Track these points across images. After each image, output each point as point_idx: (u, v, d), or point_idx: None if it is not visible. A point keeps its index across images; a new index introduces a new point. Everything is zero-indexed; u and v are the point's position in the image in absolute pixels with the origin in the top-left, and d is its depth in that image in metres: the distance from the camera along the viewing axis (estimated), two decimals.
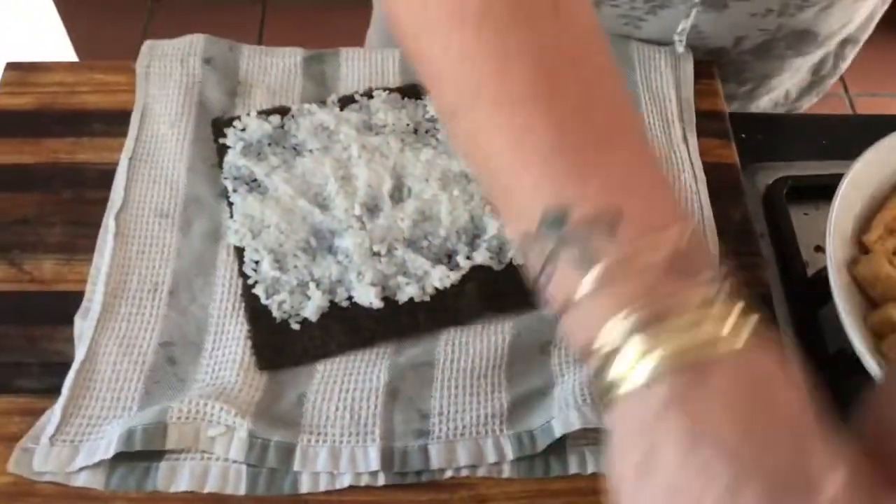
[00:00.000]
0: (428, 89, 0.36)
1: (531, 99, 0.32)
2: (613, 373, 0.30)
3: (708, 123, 0.58)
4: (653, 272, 0.30)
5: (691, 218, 0.32)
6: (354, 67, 0.59)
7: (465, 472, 0.44)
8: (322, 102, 0.56)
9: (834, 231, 0.47)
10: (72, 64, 0.58)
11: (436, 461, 0.43)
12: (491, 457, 0.44)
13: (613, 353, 0.30)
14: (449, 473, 0.44)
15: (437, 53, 0.34)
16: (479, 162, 0.35)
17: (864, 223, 0.50)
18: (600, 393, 0.31)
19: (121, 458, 0.43)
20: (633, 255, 0.30)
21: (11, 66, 0.58)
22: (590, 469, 0.44)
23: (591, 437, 0.44)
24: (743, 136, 0.61)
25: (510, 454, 0.44)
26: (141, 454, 0.43)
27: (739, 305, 0.30)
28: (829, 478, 0.27)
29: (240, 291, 0.49)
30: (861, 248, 0.49)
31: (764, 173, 0.60)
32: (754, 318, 0.30)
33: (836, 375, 0.49)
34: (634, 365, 0.29)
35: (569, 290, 0.31)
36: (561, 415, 0.44)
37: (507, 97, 0.33)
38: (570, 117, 0.32)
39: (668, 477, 0.28)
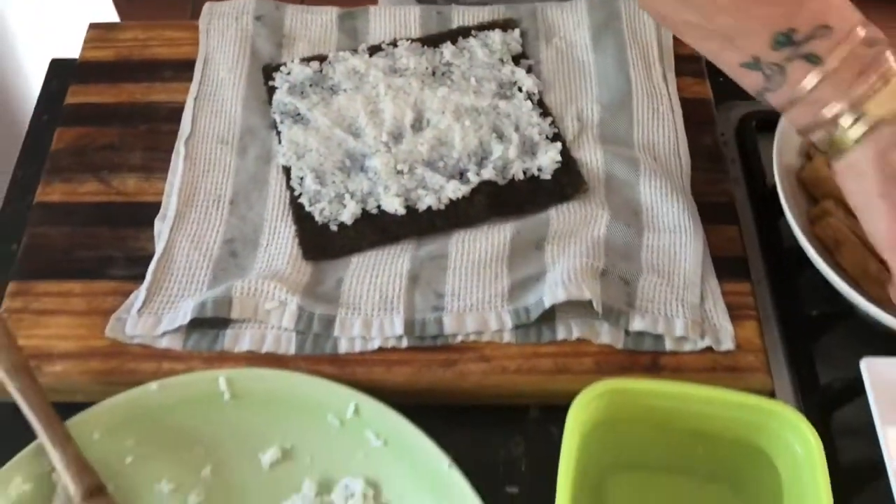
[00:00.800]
0: None
1: None
2: (844, 129, 0.46)
3: (686, 65, 0.67)
4: (859, 64, 0.45)
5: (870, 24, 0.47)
6: (381, 22, 0.69)
7: (472, 338, 0.53)
8: (354, 51, 0.67)
9: (783, 144, 0.56)
10: (144, 24, 0.69)
11: (448, 328, 0.53)
12: (493, 325, 0.53)
13: (841, 116, 0.46)
14: (459, 339, 0.53)
15: None
16: (707, 16, 0.48)
17: (805, 147, 0.59)
18: (831, 149, 0.47)
19: (195, 325, 0.53)
20: (845, 56, 0.45)
21: (94, 26, 0.69)
22: (574, 335, 0.53)
23: (574, 310, 0.54)
24: (720, 79, 0.70)
25: (509, 323, 0.53)
26: (211, 322, 0.53)
27: None
28: None
29: (288, 201, 0.59)
30: (807, 157, 0.58)
31: (737, 109, 0.69)
32: None
33: (789, 268, 0.59)
34: (860, 122, 0.46)
35: (795, 88, 0.47)
36: (550, 291, 0.53)
37: None
38: None
39: None
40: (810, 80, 0.47)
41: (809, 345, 0.55)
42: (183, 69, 0.66)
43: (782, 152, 0.57)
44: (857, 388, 0.50)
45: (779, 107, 0.49)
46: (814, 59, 0.46)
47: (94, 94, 0.65)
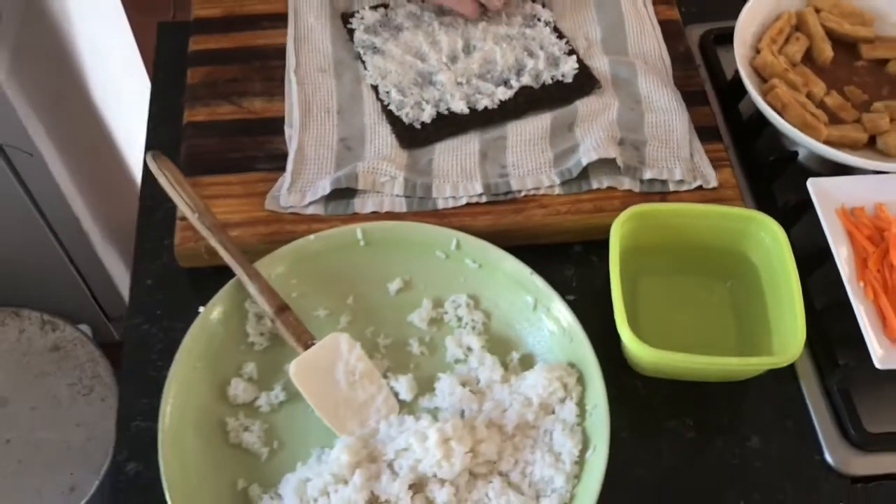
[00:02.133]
0: None
1: None
2: None
3: None
4: None
5: None
6: None
7: (532, 193, 0.74)
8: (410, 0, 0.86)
9: (740, 42, 0.78)
10: None
11: (515, 186, 0.74)
12: (546, 182, 0.74)
13: None
14: (523, 194, 0.74)
15: None
16: None
17: (757, 37, 0.81)
18: None
19: (331, 196, 0.72)
20: None
21: None
22: (605, 185, 0.74)
23: (603, 168, 0.74)
24: (683, 9, 0.92)
25: (557, 180, 0.74)
26: (344, 193, 0.72)
27: None
28: None
29: (380, 109, 0.79)
30: (756, 51, 0.80)
31: (698, 28, 0.90)
32: None
33: (747, 133, 0.80)
34: None
35: None
36: (585, 154, 0.74)
37: None
38: None
39: None
40: None
41: (768, 182, 0.77)
42: (276, 20, 0.85)
43: (739, 47, 0.78)
44: (805, 205, 0.72)
45: None
46: None
47: (211, 42, 0.83)
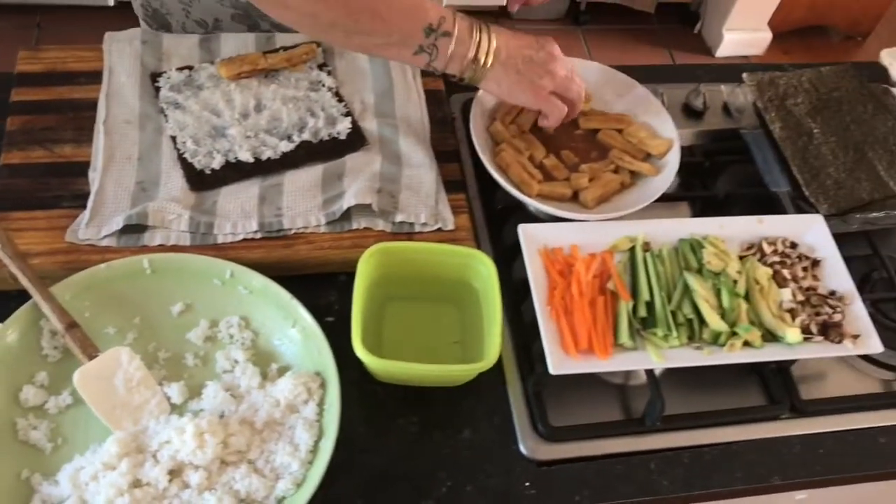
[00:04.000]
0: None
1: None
2: (481, 63, 0.86)
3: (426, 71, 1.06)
4: (468, 27, 0.85)
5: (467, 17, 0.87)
6: (228, 43, 1.03)
7: (301, 231, 0.88)
8: (211, 62, 1.00)
9: (476, 114, 0.96)
10: (61, 46, 1.00)
11: (286, 225, 0.88)
12: (314, 222, 0.89)
13: (478, 55, 0.85)
14: (293, 231, 0.88)
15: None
16: (364, 31, 0.83)
17: (496, 108, 0.99)
18: (474, 78, 0.87)
19: (125, 230, 0.85)
20: (460, 27, 0.84)
21: (25, 49, 0.99)
22: (363, 226, 0.89)
23: (362, 212, 0.90)
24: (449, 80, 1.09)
25: (323, 220, 0.89)
26: (136, 228, 0.85)
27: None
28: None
29: (176, 157, 0.92)
30: (491, 119, 0.98)
31: (461, 97, 1.08)
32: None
33: (489, 186, 0.98)
34: (487, 54, 0.86)
35: (446, 54, 0.84)
36: (347, 200, 0.89)
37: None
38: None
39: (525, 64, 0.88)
40: (452, 46, 0.85)
41: (500, 225, 0.95)
42: (93, 77, 0.97)
43: (476, 118, 0.96)
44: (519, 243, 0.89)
45: (441, 68, 0.87)
46: (448, 34, 0.84)
47: (31, 94, 0.95)
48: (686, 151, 1.05)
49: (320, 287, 0.89)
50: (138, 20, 1.13)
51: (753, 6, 2.68)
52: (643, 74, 1.14)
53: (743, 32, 2.75)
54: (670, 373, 0.88)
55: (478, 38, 0.85)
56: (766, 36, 2.79)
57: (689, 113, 1.09)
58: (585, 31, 2.76)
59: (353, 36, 0.84)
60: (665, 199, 0.97)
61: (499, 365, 0.85)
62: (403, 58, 0.87)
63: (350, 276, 0.89)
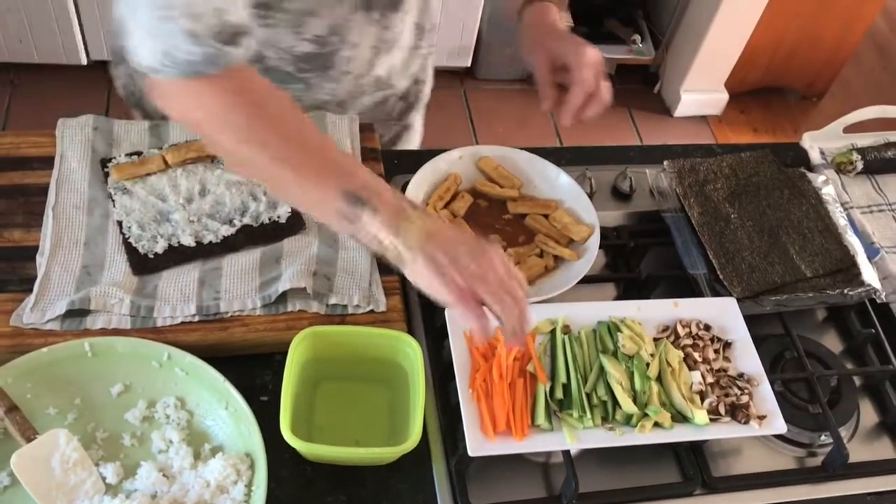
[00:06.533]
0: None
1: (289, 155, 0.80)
2: (398, 251, 0.77)
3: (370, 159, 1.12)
4: (394, 209, 0.78)
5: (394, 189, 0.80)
6: (177, 129, 1.08)
7: (237, 313, 0.93)
8: (160, 148, 1.05)
9: (416, 189, 1.01)
10: (16, 132, 1.04)
11: (223, 308, 0.93)
12: (250, 305, 0.93)
13: (396, 244, 0.77)
14: (229, 314, 0.93)
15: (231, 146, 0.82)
16: (280, 189, 0.87)
17: (430, 193, 1.04)
18: (397, 261, 0.79)
19: (68, 314, 0.89)
20: (387, 208, 0.77)
21: None
22: (297, 308, 0.94)
23: (297, 294, 0.94)
24: (396, 161, 1.15)
25: (259, 303, 0.93)
26: (78, 312, 0.89)
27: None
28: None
29: (121, 242, 0.97)
30: (426, 204, 1.03)
31: (403, 178, 1.13)
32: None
33: None
34: (402, 245, 0.77)
35: (365, 227, 0.77)
36: (283, 284, 0.94)
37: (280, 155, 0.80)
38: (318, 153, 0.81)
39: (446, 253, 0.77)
40: (375, 225, 0.77)
41: (432, 307, 1.00)
42: (46, 162, 1.02)
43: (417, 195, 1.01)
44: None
45: (364, 241, 0.79)
46: (374, 211, 0.77)
47: None
48: (613, 233, 1.11)
49: (256, 367, 0.94)
50: (111, 80, 1.19)
51: (710, 68, 2.78)
52: (577, 155, 1.20)
53: (700, 93, 2.85)
54: (588, 451, 0.92)
55: (404, 221, 0.78)
56: (723, 97, 2.89)
57: (618, 195, 1.15)
58: None
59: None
60: (591, 280, 1.02)
61: (426, 444, 0.90)
62: (322, 217, 0.84)
63: (285, 355, 0.94)
